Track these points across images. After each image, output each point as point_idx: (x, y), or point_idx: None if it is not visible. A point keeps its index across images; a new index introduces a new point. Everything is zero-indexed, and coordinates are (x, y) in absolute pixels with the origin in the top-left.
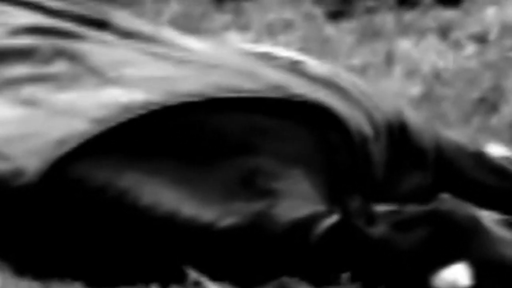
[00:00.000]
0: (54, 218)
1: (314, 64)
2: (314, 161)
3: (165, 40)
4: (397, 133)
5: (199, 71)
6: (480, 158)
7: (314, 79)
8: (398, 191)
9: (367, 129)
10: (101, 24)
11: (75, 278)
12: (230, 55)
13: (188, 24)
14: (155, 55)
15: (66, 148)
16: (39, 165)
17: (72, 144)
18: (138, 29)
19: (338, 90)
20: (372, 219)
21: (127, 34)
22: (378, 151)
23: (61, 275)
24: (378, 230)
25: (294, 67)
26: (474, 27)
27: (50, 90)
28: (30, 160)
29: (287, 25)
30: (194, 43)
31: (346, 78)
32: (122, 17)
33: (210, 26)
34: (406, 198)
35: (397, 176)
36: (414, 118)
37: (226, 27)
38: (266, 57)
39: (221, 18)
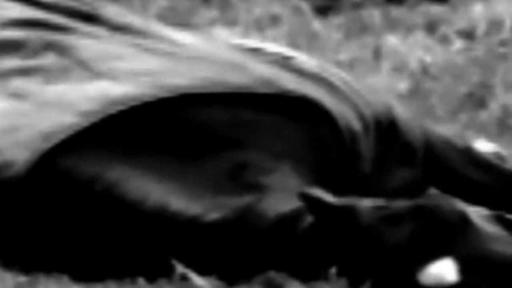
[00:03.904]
0: (42, 210)
1: (303, 59)
2: (302, 156)
3: (155, 34)
4: (386, 128)
5: (188, 65)
6: (468, 154)
7: (303, 74)
8: (387, 187)
9: (356, 125)
10: (91, 18)
11: (62, 271)
12: (220, 49)
13: (175, 19)
14: (144, 48)
15: (54, 141)
16: (27, 158)
17: (60, 136)
18: (128, 23)
19: (327, 86)
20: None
21: (117, 28)
22: (367, 147)
23: (48, 269)
24: (365, 224)
25: (284, 62)
26: (461, 23)
27: (39, 83)
28: (19, 152)
29: (275, 20)
30: (184, 37)
31: (335, 74)
32: (112, 11)
33: (197, 21)
34: (395, 193)
35: (385, 171)
36: (403, 113)
37: (213, 22)
38: (256, 52)
39: (208, 13)
